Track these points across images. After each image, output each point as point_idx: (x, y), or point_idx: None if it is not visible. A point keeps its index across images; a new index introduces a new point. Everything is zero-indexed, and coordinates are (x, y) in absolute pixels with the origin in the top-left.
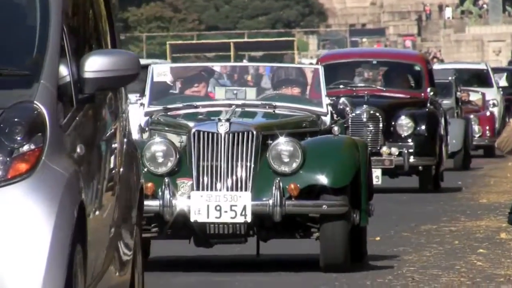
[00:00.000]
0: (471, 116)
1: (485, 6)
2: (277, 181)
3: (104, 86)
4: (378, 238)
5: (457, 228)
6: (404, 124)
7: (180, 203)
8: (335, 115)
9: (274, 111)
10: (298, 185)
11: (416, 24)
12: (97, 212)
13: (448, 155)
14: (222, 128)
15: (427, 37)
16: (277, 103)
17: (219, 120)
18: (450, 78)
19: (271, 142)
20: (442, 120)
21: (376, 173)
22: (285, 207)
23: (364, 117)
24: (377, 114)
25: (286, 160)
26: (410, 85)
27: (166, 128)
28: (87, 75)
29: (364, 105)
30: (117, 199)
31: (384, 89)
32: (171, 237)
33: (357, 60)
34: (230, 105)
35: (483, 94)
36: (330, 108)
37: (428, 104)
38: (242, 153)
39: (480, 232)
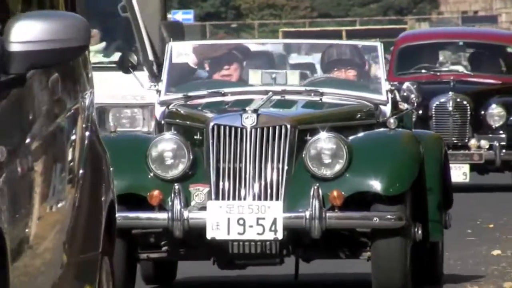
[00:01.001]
0: None
1: None
2: (315, 187)
3: (39, 63)
4: (491, 225)
5: None
6: (495, 113)
7: (194, 215)
8: (402, 104)
9: (321, 99)
10: (343, 193)
11: None
12: (29, 245)
13: None
14: (248, 121)
15: None
16: (325, 90)
17: (245, 111)
18: None
19: (310, 138)
20: None
21: (464, 169)
22: (326, 220)
23: (450, 105)
24: (465, 102)
25: (328, 161)
26: (501, 70)
27: (182, 122)
28: (13, 47)
29: (450, 92)
30: (72, 221)
31: (472, 73)
32: (185, 257)
33: (440, 41)
34: (266, 92)
35: None
36: (393, 95)
37: None
38: (272, 152)
39: None
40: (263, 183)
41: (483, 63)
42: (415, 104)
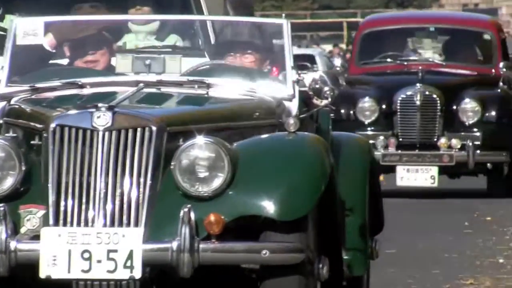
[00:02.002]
0: None
1: None
2: (186, 209)
3: None
4: (489, 218)
5: None
6: (469, 108)
7: (24, 246)
8: (320, 100)
9: (207, 92)
10: (222, 217)
11: None
12: None
13: None
14: (100, 121)
15: None
16: (214, 80)
17: (97, 108)
18: None
19: (183, 144)
20: None
21: (431, 172)
22: (199, 253)
23: (417, 99)
24: (434, 95)
25: (204, 174)
26: (477, 59)
27: (21, 122)
28: None
29: (418, 84)
30: None
31: (444, 63)
32: None
33: (409, 26)
34: (137, 83)
35: None
36: (300, 88)
37: (501, 83)
38: (132, 162)
39: None
40: (118, 203)
41: (456, 52)
42: (330, 98)
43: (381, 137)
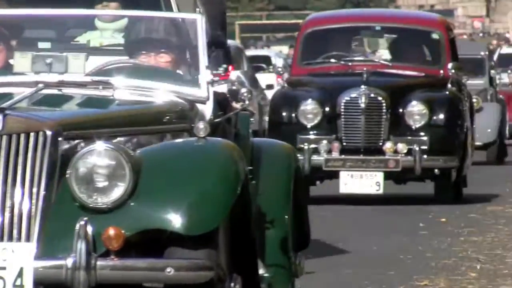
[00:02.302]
0: None
1: None
2: (83, 222)
3: None
4: (443, 219)
5: None
6: (416, 111)
7: None
8: (235, 103)
9: (113, 94)
10: (123, 231)
11: (485, 5)
12: None
13: (480, 146)
14: None
15: (496, 19)
16: (120, 81)
17: None
18: (482, 53)
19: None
20: (467, 106)
21: (377, 178)
22: (96, 270)
23: (362, 102)
24: (380, 98)
25: (102, 184)
26: (425, 59)
27: None
28: None
29: (362, 86)
30: None
31: (391, 64)
32: None
33: (354, 25)
34: (36, 84)
35: None
36: (214, 90)
37: (449, 85)
38: (24, 170)
39: None
40: (7, 215)
41: (404, 52)
42: (247, 101)
43: (324, 141)
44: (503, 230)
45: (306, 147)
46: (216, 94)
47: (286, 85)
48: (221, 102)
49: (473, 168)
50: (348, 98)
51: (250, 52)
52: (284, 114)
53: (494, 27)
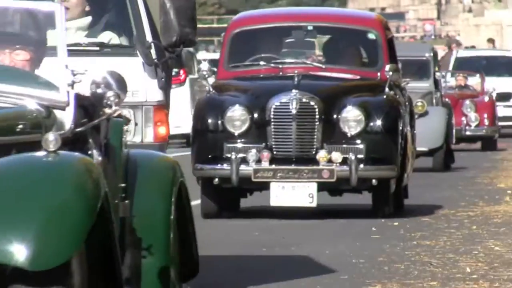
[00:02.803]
0: (467, 101)
1: None
2: None
3: None
4: (396, 223)
5: (475, 213)
6: (351, 117)
7: None
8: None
9: None
10: None
11: (436, 8)
12: None
13: (426, 152)
14: None
15: (447, 21)
16: None
17: None
18: (427, 54)
19: None
20: (407, 111)
21: (310, 189)
22: None
23: (293, 107)
24: (312, 103)
25: None
26: (361, 61)
27: None
28: None
29: (293, 90)
30: None
31: (324, 66)
32: None
33: (284, 24)
34: None
35: (482, 77)
36: (78, 93)
37: (387, 89)
38: None
39: (499, 217)
40: None
41: (338, 53)
42: (114, 106)
43: (253, 150)
44: (455, 234)
45: (233, 157)
46: (80, 98)
47: (212, 90)
48: (87, 108)
49: (419, 175)
50: (278, 104)
51: (201, 55)
52: (209, 121)
53: (445, 30)
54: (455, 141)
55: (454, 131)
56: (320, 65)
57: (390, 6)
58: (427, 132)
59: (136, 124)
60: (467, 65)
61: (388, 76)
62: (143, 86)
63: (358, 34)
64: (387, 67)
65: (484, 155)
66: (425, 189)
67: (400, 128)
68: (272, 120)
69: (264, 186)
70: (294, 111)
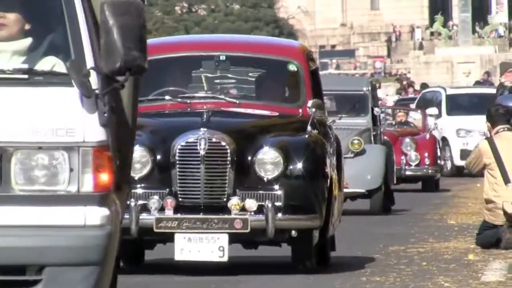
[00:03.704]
0: (407, 139)
1: (455, 27)
2: None
3: None
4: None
5: (425, 249)
6: (268, 159)
7: None
8: None
9: None
10: None
11: (386, 45)
12: None
13: (363, 194)
14: None
15: (397, 59)
16: None
17: None
18: (364, 88)
19: None
20: (332, 152)
21: (220, 241)
22: None
23: (201, 148)
24: (223, 143)
25: None
26: (282, 97)
27: None
28: None
29: (202, 129)
30: None
31: (238, 102)
32: None
33: (193, 54)
34: None
35: (424, 113)
36: None
37: (309, 127)
38: None
39: (448, 254)
40: None
41: (255, 87)
42: None
43: (155, 197)
44: (405, 270)
45: (133, 204)
46: None
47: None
48: None
49: (356, 218)
50: (184, 144)
51: None
52: None
53: (396, 67)
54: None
55: (394, 170)
56: (234, 100)
57: (340, 43)
58: (364, 172)
59: (71, 170)
60: (457, 104)
61: (310, 113)
62: (80, 122)
63: (277, 65)
64: (310, 103)
65: (426, 196)
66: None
67: (324, 171)
68: (178, 162)
69: (168, 238)
70: (202, 152)
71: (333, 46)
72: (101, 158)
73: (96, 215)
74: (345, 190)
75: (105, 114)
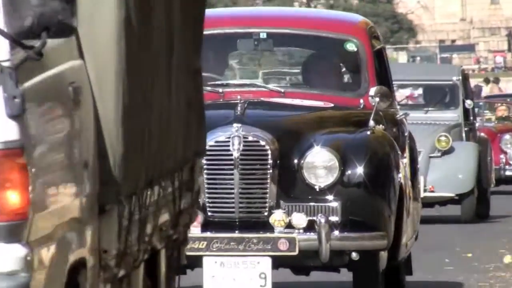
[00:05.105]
0: (506, 136)
1: None
2: None
3: None
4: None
5: None
6: (320, 163)
7: None
8: None
9: None
10: None
11: (507, 40)
12: None
13: (453, 199)
14: None
15: None
16: None
17: None
18: (454, 78)
19: None
20: (404, 152)
21: (260, 266)
22: None
23: (235, 149)
24: (262, 142)
25: None
26: (338, 83)
27: None
28: None
29: (235, 125)
30: None
31: (283, 91)
32: None
33: (228, 31)
34: None
35: None
36: None
37: (371, 122)
38: None
39: None
40: None
41: (304, 72)
42: None
43: None
44: None
45: None
46: None
47: None
48: None
49: (444, 228)
50: (213, 143)
51: None
52: None
53: None
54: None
55: (492, 171)
56: (277, 88)
57: (460, 38)
58: (453, 173)
59: None
60: None
61: (374, 104)
62: None
63: (331, 44)
64: (373, 90)
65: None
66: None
67: (392, 176)
68: (205, 167)
69: (195, 262)
70: (236, 154)
71: (453, 41)
72: (9, 168)
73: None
74: (431, 194)
75: (15, 99)
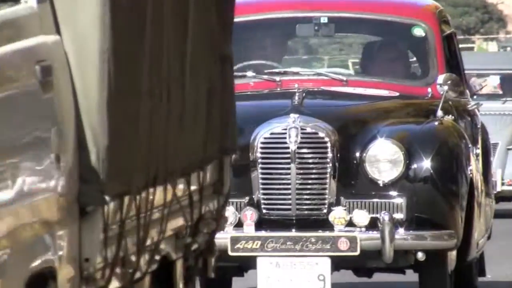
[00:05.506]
0: None
1: None
2: None
3: None
4: None
5: None
6: (384, 156)
7: None
8: None
9: None
10: None
11: None
12: None
13: None
14: None
15: None
16: None
17: None
18: None
19: None
20: (475, 145)
21: (320, 267)
22: None
23: (292, 141)
24: (322, 134)
25: None
26: (403, 71)
27: None
28: None
29: (292, 115)
30: None
31: (345, 79)
32: None
33: (286, 15)
34: None
35: None
36: None
37: (440, 112)
38: None
39: None
40: None
41: (367, 59)
42: None
43: (230, 208)
44: None
45: None
46: None
47: None
48: None
49: None
50: (269, 135)
51: None
52: None
53: None
54: None
55: None
56: (339, 76)
57: None
58: None
59: None
60: None
61: (442, 92)
62: None
63: (397, 29)
64: (441, 78)
65: None
66: None
67: (461, 171)
68: (260, 160)
69: (249, 263)
70: (293, 147)
71: None
72: None
73: None
74: (510, 188)
75: None
